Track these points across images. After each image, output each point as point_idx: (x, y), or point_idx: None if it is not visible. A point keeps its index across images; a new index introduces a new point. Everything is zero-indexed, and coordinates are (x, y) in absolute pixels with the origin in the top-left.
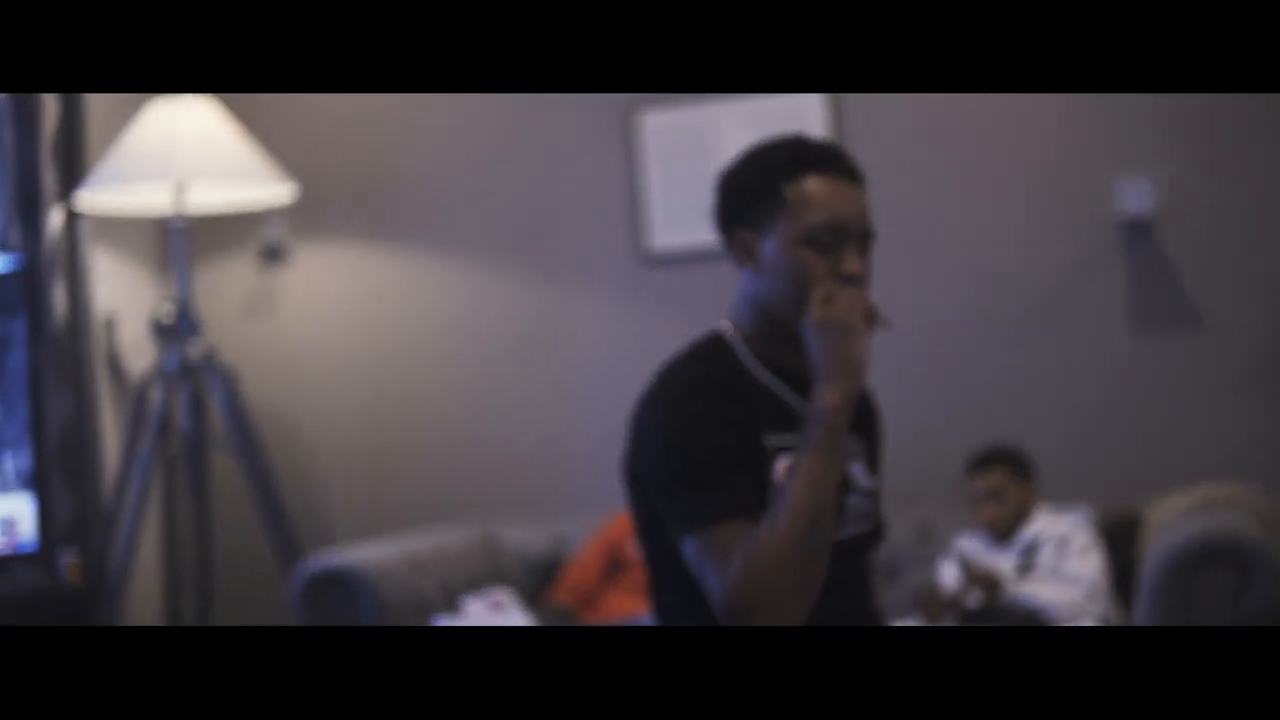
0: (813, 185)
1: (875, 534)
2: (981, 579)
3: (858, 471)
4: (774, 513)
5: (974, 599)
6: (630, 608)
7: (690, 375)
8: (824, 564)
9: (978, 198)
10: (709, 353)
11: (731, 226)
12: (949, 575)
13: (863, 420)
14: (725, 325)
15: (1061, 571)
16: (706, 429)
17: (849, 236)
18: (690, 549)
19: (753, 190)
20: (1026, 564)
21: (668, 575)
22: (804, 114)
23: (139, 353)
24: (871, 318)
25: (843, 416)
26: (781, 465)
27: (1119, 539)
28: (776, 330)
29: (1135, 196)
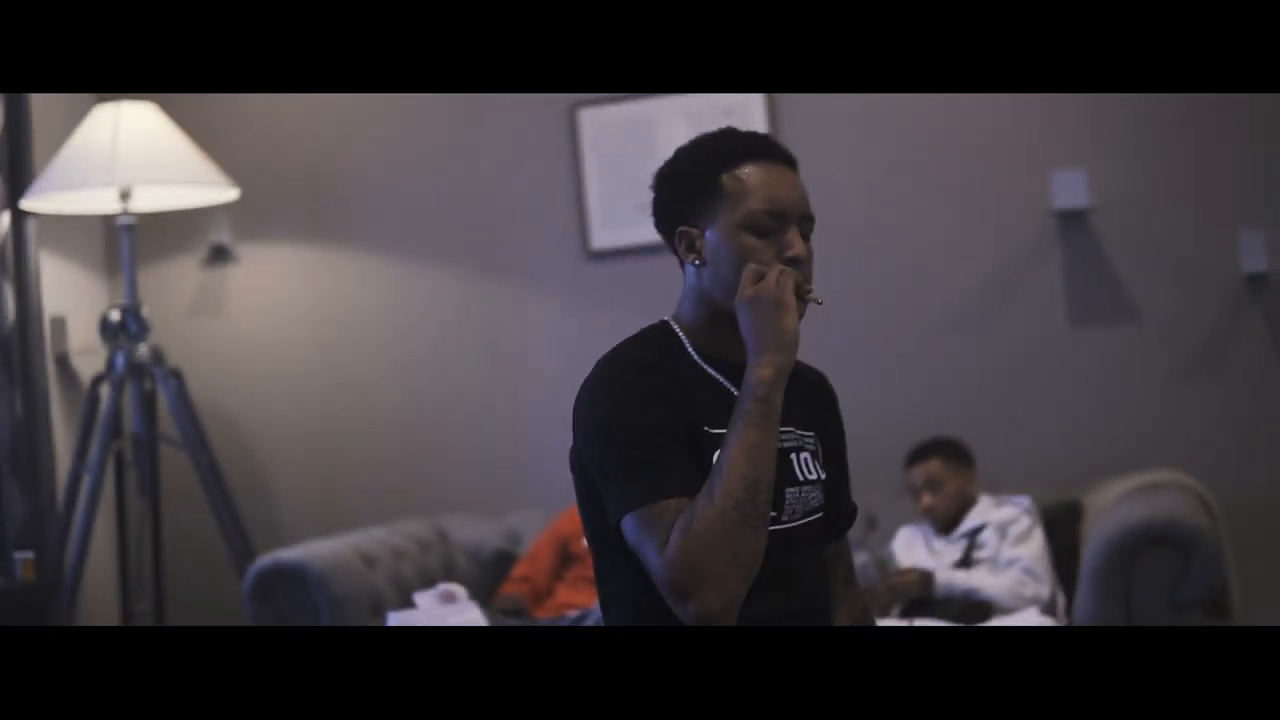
0: (749, 173)
1: (831, 522)
2: (911, 575)
3: (802, 463)
4: (709, 486)
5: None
6: (581, 600)
7: (630, 359)
8: (763, 537)
9: (914, 192)
10: (651, 339)
11: (672, 223)
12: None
13: (814, 410)
14: (671, 319)
15: (1001, 557)
16: (645, 410)
17: (789, 221)
18: (629, 527)
19: (690, 185)
20: (968, 552)
21: (611, 559)
22: (742, 111)
23: (88, 354)
24: (801, 293)
25: (775, 389)
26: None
27: (1060, 526)
28: (720, 322)
29: (1070, 189)
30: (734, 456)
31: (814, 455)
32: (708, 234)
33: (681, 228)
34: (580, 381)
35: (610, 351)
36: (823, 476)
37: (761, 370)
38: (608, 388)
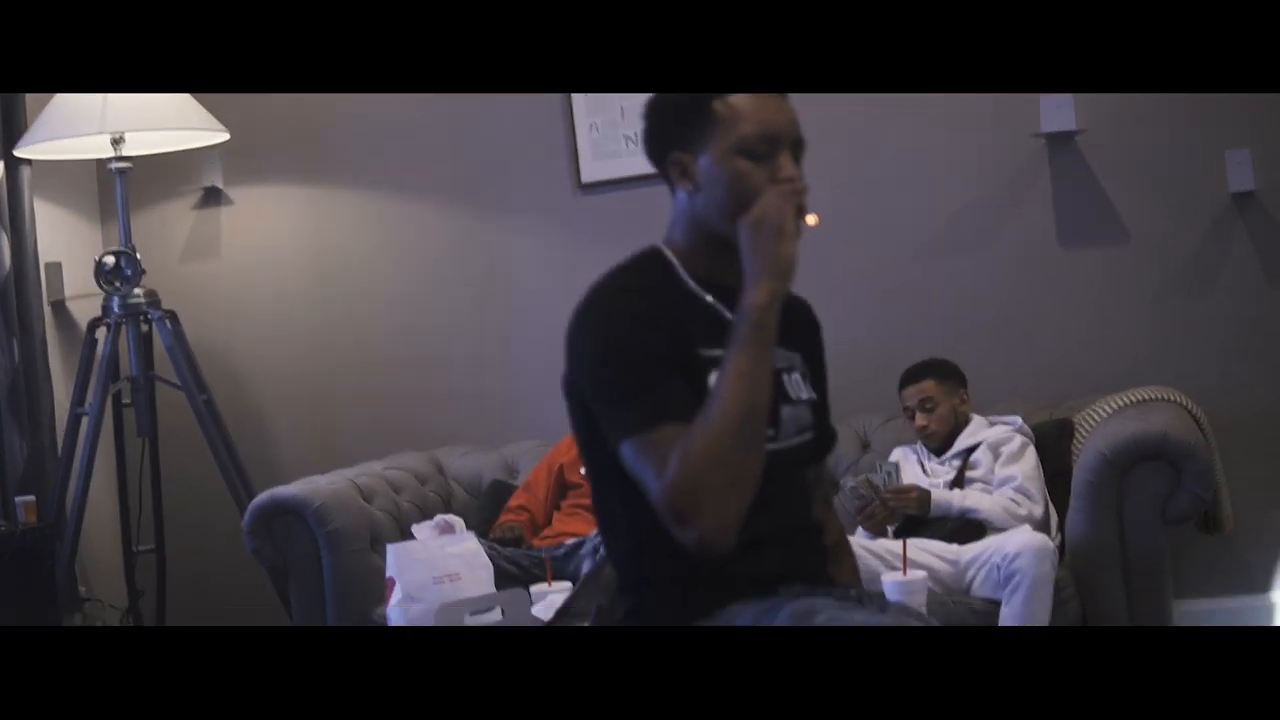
0: (741, 98)
1: (818, 444)
2: (910, 493)
3: (793, 383)
4: (706, 410)
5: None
6: (578, 529)
7: (623, 285)
8: (759, 460)
9: (904, 118)
10: (643, 264)
11: (664, 150)
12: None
13: (800, 334)
14: (661, 245)
15: (994, 477)
16: (640, 335)
17: (782, 144)
18: (628, 453)
19: (681, 112)
20: (962, 472)
21: (609, 485)
22: None
23: (84, 298)
24: (801, 217)
25: (770, 314)
26: (715, 376)
27: (1051, 444)
28: (712, 247)
29: (1057, 112)
30: (730, 381)
31: (803, 376)
32: (700, 160)
33: (674, 154)
34: (568, 313)
35: (601, 277)
36: (813, 397)
37: (758, 295)
38: (600, 314)
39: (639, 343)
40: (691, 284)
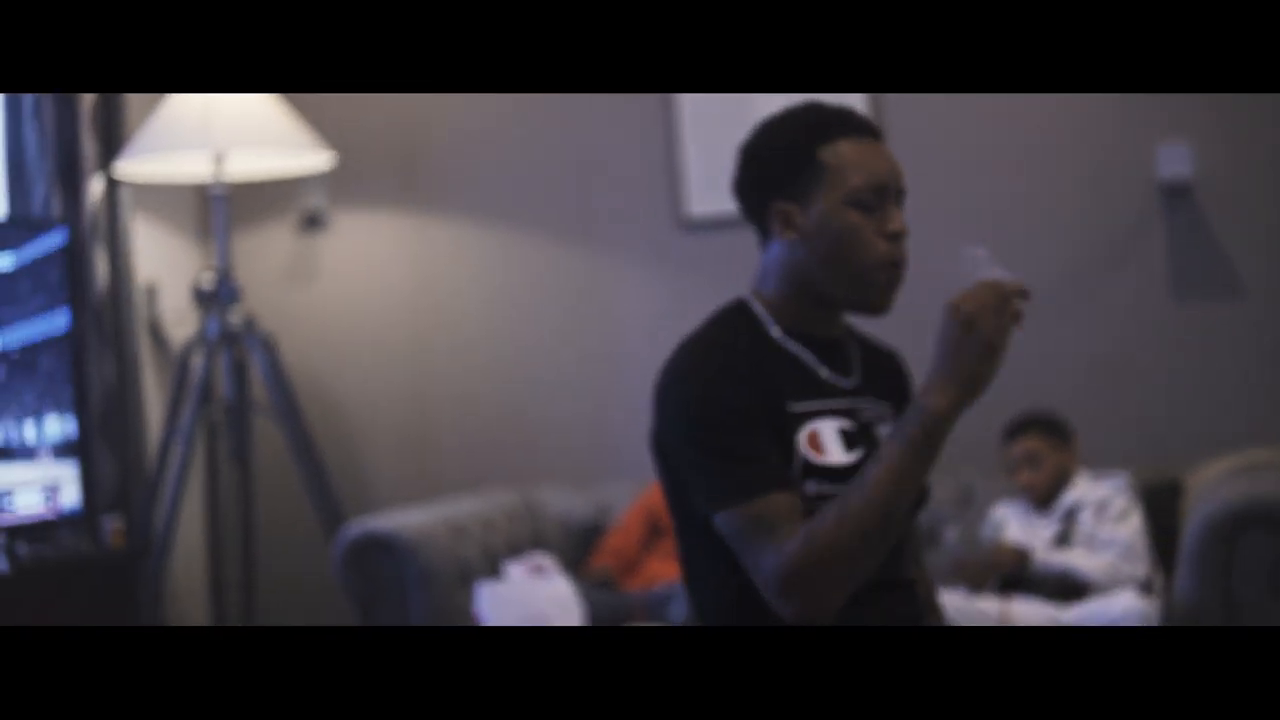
0: (847, 147)
1: (914, 499)
2: (1008, 553)
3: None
4: (845, 499)
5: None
6: (670, 573)
7: (712, 343)
8: (879, 563)
9: (1015, 164)
10: (731, 320)
11: (764, 199)
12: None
13: (890, 383)
14: (749, 296)
15: (1099, 536)
16: (734, 398)
17: (889, 194)
18: (725, 521)
19: (785, 159)
20: (1066, 529)
21: (698, 548)
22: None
23: (180, 320)
24: (1017, 324)
25: (947, 425)
26: (806, 431)
27: (1160, 504)
28: (807, 298)
29: (1174, 161)
30: (881, 477)
31: (891, 423)
32: (809, 210)
33: (778, 203)
34: (668, 352)
35: (690, 335)
36: None
37: (941, 401)
38: (691, 376)
39: (728, 401)
40: (781, 337)
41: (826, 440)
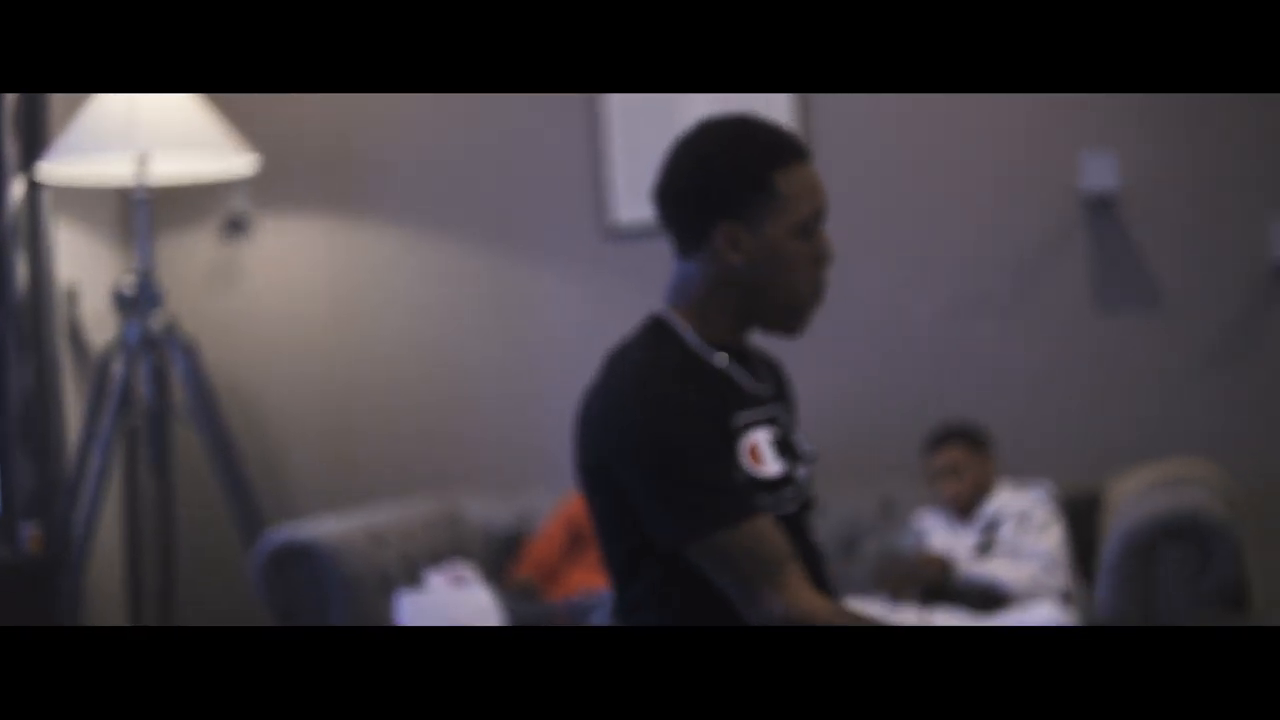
0: (798, 173)
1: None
2: (931, 563)
3: (801, 440)
4: (827, 610)
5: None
6: (591, 583)
7: (652, 367)
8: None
9: (938, 172)
10: (659, 340)
11: (712, 216)
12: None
13: (782, 390)
14: (668, 311)
15: (1021, 547)
16: (689, 423)
17: (824, 220)
18: (703, 553)
19: (739, 181)
20: (987, 540)
21: (638, 574)
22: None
23: (101, 324)
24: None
25: None
26: (746, 444)
27: (1080, 515)
28: (733, 315)
29: (1099, 172)
30: (837, 616)
31: (798, 428)
32: (756, 234)
33: (725, 224)
34: (596, 361)
35: (620, 358)
36: (815, 450)
37: None
38: (637, 399)
39: (692, 432)
40: (708, 353)
41: (764, 451)
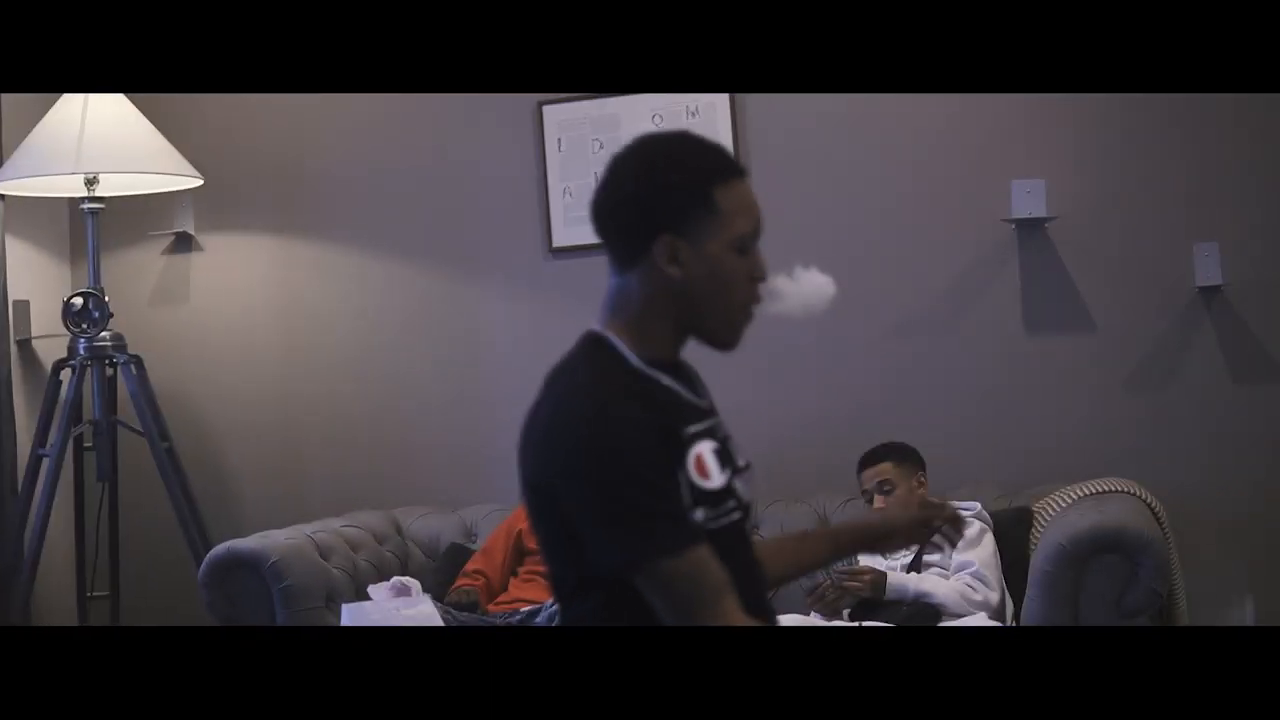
0: (738, 190)
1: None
2: (863, 577)
3: (736, 450)
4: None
5: (863, 590)
6: (534, 596)
7: (595, 387)
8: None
9: (873, 197)
10: (598, 359)
11: (653, 229)
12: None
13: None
14: (602, 330)
15: (950, 562)
16: (635, 446)
17: (758, 237)
18: (645, 579)
19: (682, 195)
20: (919, 555)
21: (584, 593)
22: (707, 110)
23: (50, 338)
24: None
25: None
26: (692, 456)
27: (1010, 532)
28: (670, 328)
29: (1029, 198)
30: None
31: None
32: (696, 248)
33: (665, 237)
34: (539, 377)
35: (561, 380)
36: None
37: None
38: (582, 421)
39: (639, 455)
40: (647, 369)
41: (709, 462)
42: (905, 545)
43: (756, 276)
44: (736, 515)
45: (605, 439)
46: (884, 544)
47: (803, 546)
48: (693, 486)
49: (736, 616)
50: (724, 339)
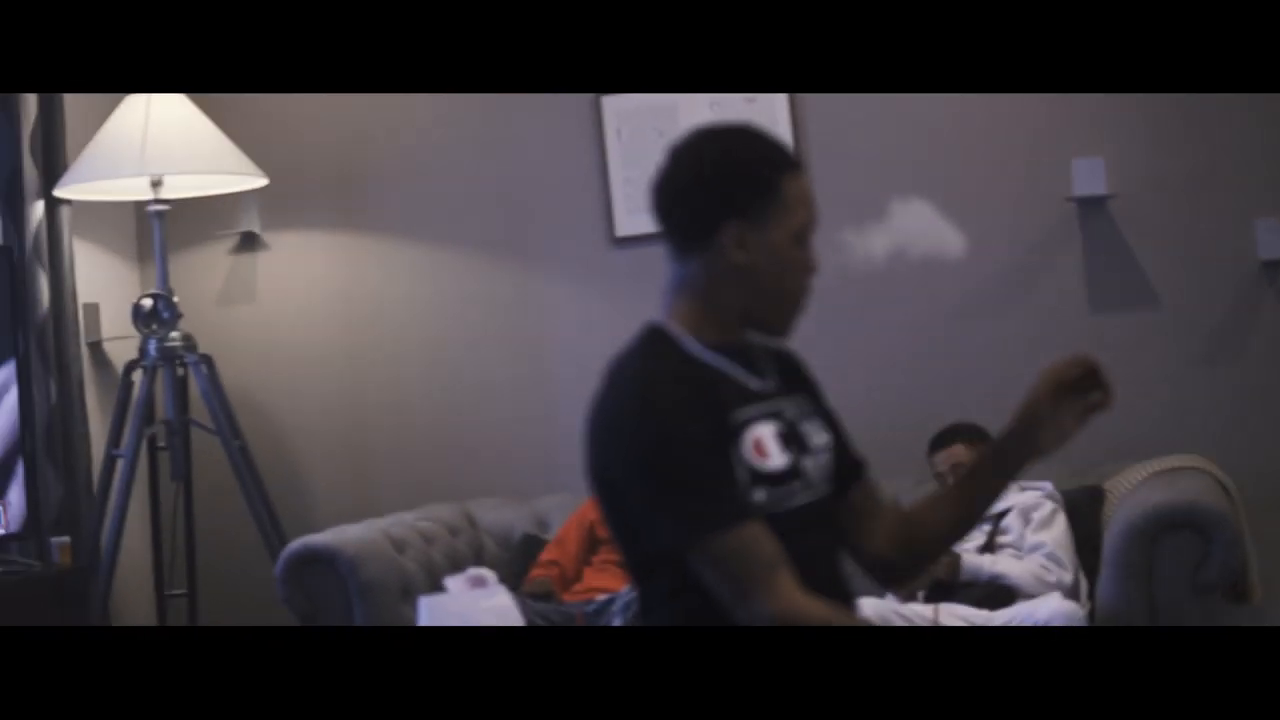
0: (802, 184)
1: (851, 472)
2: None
3: (812, 429)
4: (818, 611)
5: (938, 571)
6: (608, 584)
7: (653, 377)
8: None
9: (935, 182)
10: (658, 349)
11: (720, 216)
12: None
13: (792, 377)
14: (665, 318)
15: (1024, 541)
16: (689, 430)
17: (814, 231)
18: (697, 556)
19: (750, 183)
20: (992, 535)
21: (654, 575)
22: (765, 99)
23: (121, 340)
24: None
25: None
26: (750, 438)
27: (1082, 511)
28: (730, 314)
29: (1089, 177)
30: (830, 617)
31: (810, 418)
32: (761, 236)
33: (733, 223)
34: (601, 366)
35: (621, 369)
36: (830, 437)
37: None
38: (639, 409)
39: (692, 439)
40: (706, 355)
41: (769, 444)
42: (1058, 433)
43: (811, 267)
44: (806, 497)
45: (652, 426)
46: (1039, 439)
47: (966, 483)
48: (751, 468)
49: (789, 594)
50: (781, 326)
